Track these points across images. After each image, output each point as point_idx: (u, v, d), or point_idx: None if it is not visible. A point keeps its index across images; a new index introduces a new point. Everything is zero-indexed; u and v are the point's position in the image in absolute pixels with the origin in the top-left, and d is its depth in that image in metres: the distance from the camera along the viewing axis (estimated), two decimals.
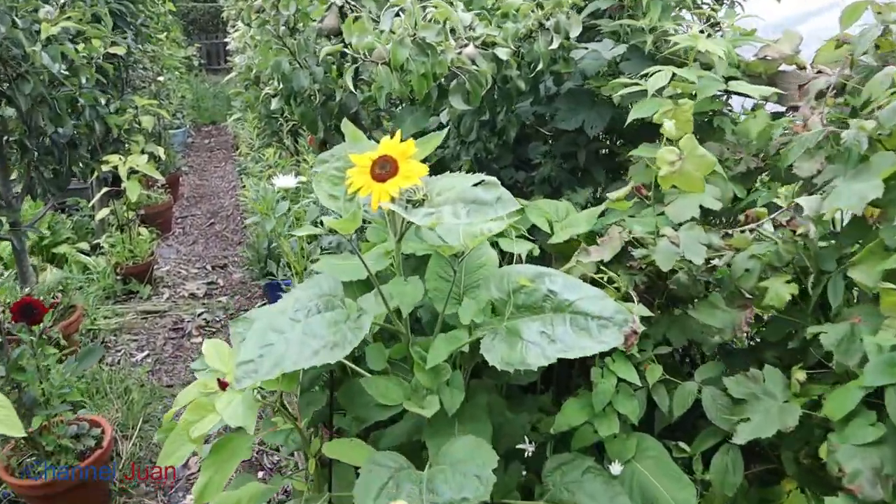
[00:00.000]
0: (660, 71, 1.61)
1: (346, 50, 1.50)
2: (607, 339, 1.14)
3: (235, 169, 5.27)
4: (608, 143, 2.21)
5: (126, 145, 3.94)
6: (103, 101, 2.81)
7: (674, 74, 1.61)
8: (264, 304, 3.92)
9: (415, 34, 1.54)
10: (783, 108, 1.89)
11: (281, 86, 2.08)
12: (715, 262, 1.39)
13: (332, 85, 2.14)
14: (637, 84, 1.71)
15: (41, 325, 1.92)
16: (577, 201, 2.10)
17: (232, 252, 4.58)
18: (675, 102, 1.57)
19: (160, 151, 4.50)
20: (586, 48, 1.85)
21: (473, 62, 1.73)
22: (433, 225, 1.04)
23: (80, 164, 2.75)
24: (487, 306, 1.33)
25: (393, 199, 1.11)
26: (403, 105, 2.23)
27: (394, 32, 1.54)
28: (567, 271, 1.49)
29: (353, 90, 1.54)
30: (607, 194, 2.08)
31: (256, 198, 1.99)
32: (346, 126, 1.26)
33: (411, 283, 1.26)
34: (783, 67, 1.84)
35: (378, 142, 1.21)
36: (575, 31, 1.84)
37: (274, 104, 2.22)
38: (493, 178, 1.05)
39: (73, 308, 2.92)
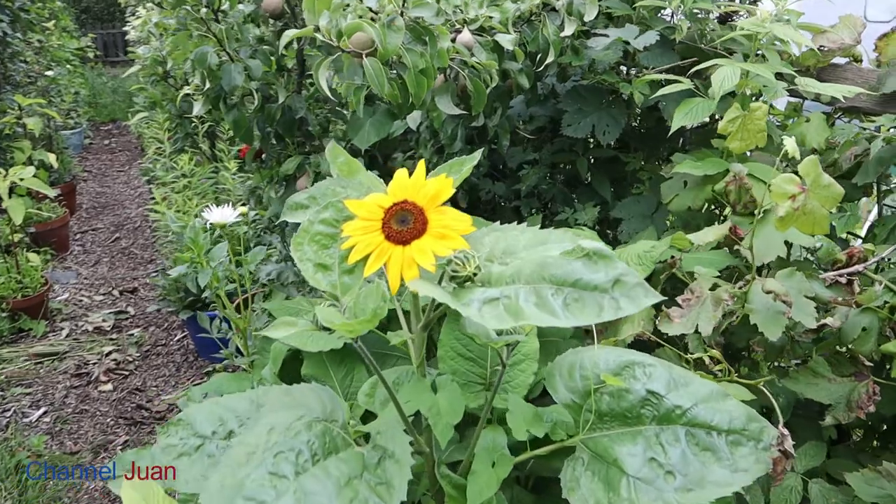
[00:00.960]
0: (720, 66, 1.24)
1: (317, 35, 1.06)
2: (746, 466, 0.77)
3: (142, 174, 4.64)
4: (611, 148, 1.85)
5: (9, 154, 3.31)
6: None
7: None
8: (185, 337, 3.37)
9: (402, 13, 1.11)
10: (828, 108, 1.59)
11: (207, 85, 1.60)
12: (828, 321, 1.04)
13: (273, 82, 1.68)
14: (678, 82, 1.36)
15: None
16: (583, 221, 1.74)
17: (142, 272, 3.98)
18: (745, 106, 1.21)
19: (52, 158, 3.86)
20: (606, 35, 1.48)
21: (471, 52, 1.32)
22: (507, 327, 0.62)
23: None
24: (535, 415, 0.94)
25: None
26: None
27: (375, 13, 1.11)
28: (622, 343, 1.11)
29: (329, 93, 1.10)
30: (623, 218, 1.74)
31: (183, 238, 1.51)
32: (335, 153, 0.82)
33: (445, 392, 0.83)
34: (835, 60, 1.53)
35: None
36: (590, 14, 1.46)
37: (197, 108, 1.73)
38: (601, 245, 0.64)
39: None
